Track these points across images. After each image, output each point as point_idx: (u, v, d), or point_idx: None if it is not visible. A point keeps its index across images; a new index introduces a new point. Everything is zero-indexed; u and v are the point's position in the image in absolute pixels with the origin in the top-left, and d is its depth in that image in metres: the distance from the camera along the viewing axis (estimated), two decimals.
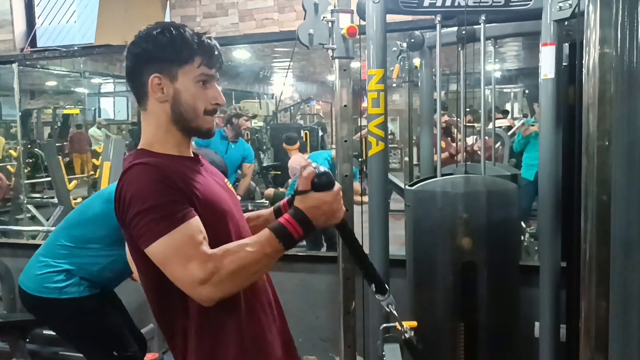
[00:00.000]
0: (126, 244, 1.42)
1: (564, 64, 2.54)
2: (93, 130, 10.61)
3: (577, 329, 2.64)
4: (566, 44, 2.58)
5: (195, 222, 1.28)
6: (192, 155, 1.46)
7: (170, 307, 1.37)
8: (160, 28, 1.38)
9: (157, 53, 1.36)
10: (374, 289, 1.53)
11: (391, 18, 2.56)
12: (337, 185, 1.37)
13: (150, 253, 1.27)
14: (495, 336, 2.57)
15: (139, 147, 1.43)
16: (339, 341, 2.72)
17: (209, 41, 1.40)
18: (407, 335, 1.55)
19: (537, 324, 2.77)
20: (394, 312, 1.53)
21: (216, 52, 1.41)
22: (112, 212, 2.27)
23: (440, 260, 2.54)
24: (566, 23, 2.44)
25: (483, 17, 2.56)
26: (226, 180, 1.56)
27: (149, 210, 1.25)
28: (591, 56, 1.40)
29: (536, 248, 4.07)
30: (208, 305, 1.27)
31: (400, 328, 1.55)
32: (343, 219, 1.40)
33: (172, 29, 1.38)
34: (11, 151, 7.54)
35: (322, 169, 1.37)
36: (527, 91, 9.16)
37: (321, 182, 1.35)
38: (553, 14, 2.39)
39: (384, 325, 2.41)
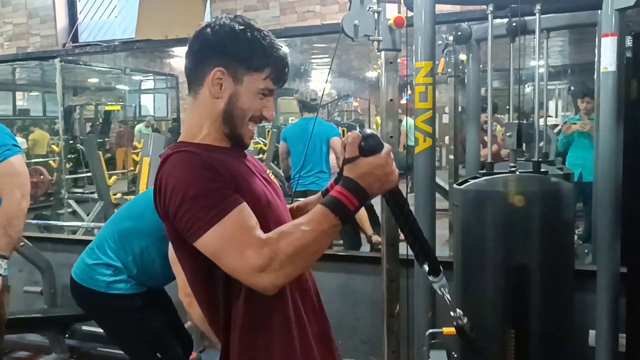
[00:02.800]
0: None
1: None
2: (140, 128, 10.56)
3: (639, 339, 2.52)
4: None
5: (245, 207, 1.22)
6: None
7: (218, 303, 1.31)
8: (244, 26, 1.31)
9: (231, 49, 1.30)
10: (426, 269, 1.40)
11: (437, 9, 2.45)
12: (387, 147, 1.27)
13: (202, 245, 1.20)
14: (547, 344, 2.43)
15: (179, 140, 1.36)
16: (381, 345, 2.63)
17: (284, 57, 1.34)
18: (460, 322, 1.43)
19: (591, 332, 2.62)
20: (447, 296, 1.41)
21: (286, 70, 1.35)
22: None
23: (490, 263, 2.41)
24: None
25: (538, 7, 2.42)
26: (269, 171, 1.48)
27: (195, 199, 1.18)
28: None
29: (586, 251, 3.90)
30: (270, 293, 1.20)
31: (453, 314, 1.42)
32: (396, 184, 1.30)
33: (255, 31, 1.32)
34: (54, 146, 7.67)
35: (368, 131, 1.27)
36: (572, 88, 8.89)
37: (369, 145, 1.25)
38: (616, 2, 2.24)
39: (430, 330, 2.33)
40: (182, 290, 2.28)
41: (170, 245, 2.19)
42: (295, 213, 1.50)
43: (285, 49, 1.36)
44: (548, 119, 6.87)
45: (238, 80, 1.31)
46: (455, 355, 2.49)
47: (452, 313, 1.42)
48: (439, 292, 1.41)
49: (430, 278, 1.41)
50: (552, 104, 9.65)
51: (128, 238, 2.41)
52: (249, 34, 1.30)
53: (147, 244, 2.38)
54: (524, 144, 2.54)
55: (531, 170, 2.48)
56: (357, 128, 8.60)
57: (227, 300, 1.30)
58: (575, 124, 4.78)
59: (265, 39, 1.32)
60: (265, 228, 1.28)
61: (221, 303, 1.31)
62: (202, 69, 1.32)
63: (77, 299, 2.53)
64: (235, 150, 1.37)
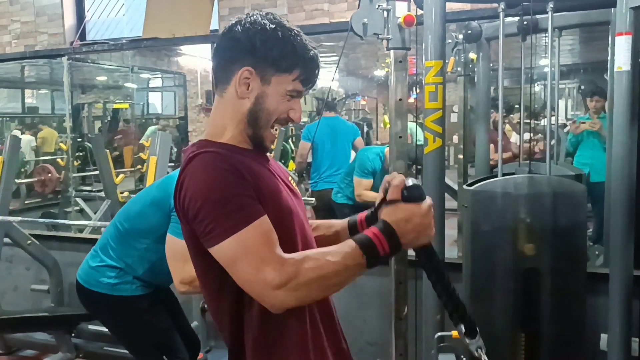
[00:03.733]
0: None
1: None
2: (153, 130, 10.40)
3: None
4: None
5: (267, 220, 1.18)
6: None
7: (230, 308, 1.27)
8: (275, 25, 1.27)
9: (261, 49, 1.26)
10: (463, 330, 1.35)
11: (447, 7, 2.42)
12: (429, 199, 1.24)
13: (217, 252, 1.17)
14: (558, 348, 2.40)
15: (203, 138, 1.32)
16: (388, 347, 2.59)
17: (315, 58, 1.30)
18: None
19: (603, 336, 2.58)
20: (484, 357, 1.35)
21: (316, 72, 1.31)
22: (161, 202, 2.19)
23: (500, 266, 2.38)
24: None
25: (551, 5, 2.37)
26: (290, 178, 1.44)
27: (217, 203, 1.15)
28: None
29: (597, 252, 3.85)
30: (276, 312, 1.17)
31: None
32: (431, 240, 1.26)
33: (287, 30, 1.28)
34: (62, 144, 7.68)
35: (411, 180, 1.25)
36: (582, 87, 8.82)
37: (412, 193, 1.22)
38: (630, 0, 2.20)
39: (439, 334, 2.30)
40: (177, 280, 2.23)
41: (169, 237, 2.18)
42: (315, 230, 1.47)
43: (316, 50, 1.31)
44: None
45: (266, 81, 1.27)
46: (464, 359, 2.46)
47: None
48: (476, 354, 1.36)
49: (467, 340, 1.36)
50: (561, 103, 9.57)
51: (130, 238, 2.38)
52: (280, 33, 1.26)
53: (149, 242, 2.34)
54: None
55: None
56: (365, 127, 8.56)
57: (237, 309, 1.26)
58: (584, 123, 4.71)
59: (297, 39, 1.28)
60: (291, 236, 1.26)
61: (230, 310, 1.27)
62: (229, 68, 1.28)
63: (84, 302, 2.51)
64: (258, 154, 1.33)
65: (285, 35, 1.27)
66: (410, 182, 1.24)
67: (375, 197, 1.32)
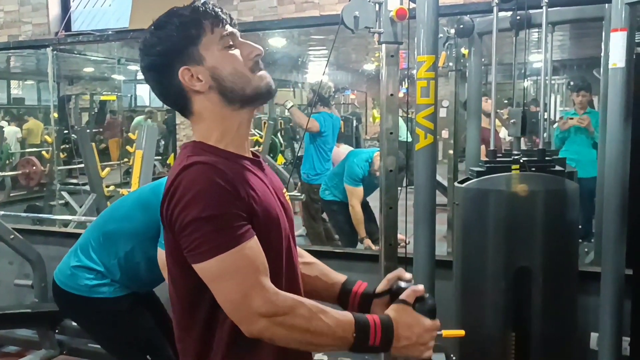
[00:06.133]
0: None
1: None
2: (140, 121, 10.13)
3: None
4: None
5: (257, 243, 1.14)
6: (252, 156, 1.29)
7: (202, 323, 1.21)
8: (153, 25, 1.24)
9: (169, 48, 1.21)
10: None
11: (440, 1, 2.37)
12: (437, 322, 1.22)
13: (202, 269, 1.12)
14: (548, 348, 2.37)
15: (196, 140, 1.26)
16: None
17: (203, 5, 1.23)
18: None
19: (593, 334, 2.57)
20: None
21: (218, 10, 1.23)
22: (152, 207, 2.13)
23: (491, 264, 2.34)
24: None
25: (546, 0, 2.34)
26: (284, 190, 1.37)
27: (208, 220, 1.09)
28: None
29: (586, 250, 3.84)
30: (249, 336, 1.13)
31: None
32: None
33: (164, 17, 1.23)
34: (47, 137, 7.57)
35: (429, 295, 1.26)
36: (571, 83, 8.82)
37: (427, 306, 1.22)
38: None
39: None
40: None
41: (160, 252, 2.12)
42: (309, 267, 1.43)
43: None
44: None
45: (202, 60, 1.21)
46: (454, 358, 2.43)
47: None
48: None
49: None
50: (551, 98, 9.57)
51: (113, 241, 2.32)
52: (163, 24, 1.22)
53: (132, 246, 2.29)
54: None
55: (535, 159, 2.40)
56: (354, 122, 8.52)
57: (209, 326, 1.20)
58: (572, 118, 4.68)
59: (179, 11, 1.22)
60: (278, 255, 1.22)
61: (201, 325, 1.21)
62: (175, 87, 1.22)
63: (61, 304, 2.44)
64: (255, 162, 1.27)
65: (168, 20, 1.22)
66: (427, 295, 1.24)
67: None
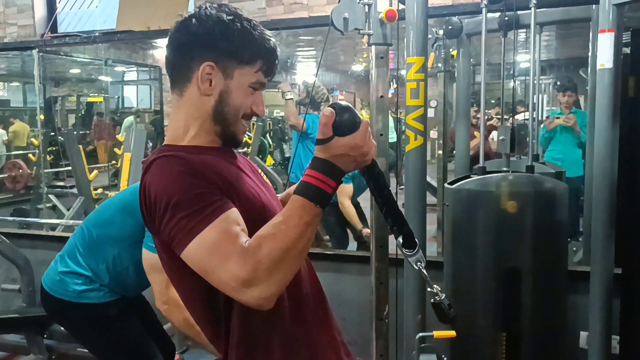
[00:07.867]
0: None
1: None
2: (131, 121, 10.01)
3: (633, 341, 2.48)
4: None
5: (233, 212, 1.11)
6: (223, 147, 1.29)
7: (215, 320, 1.23)
8: (232, 16, 1.21)
9: (221, 42, 1.20)
10: (401, 241, 1.31)
11: (429, 2, 2.37)
12: (364, 123, 1.14)
13: (187, 257, 1.10)
14: (538, 347, 2.39)
15: (164, 143, 1.27)
16: (368, 346, 2.55)
17: (275, 48, 1.25)
18: (438, 299, 1.32)
19: (582, 333, 2.59)
20: (424, 271, 1.31)
21: (276, 62, 1.26)
22: (133, 209, 2.12)
23: (481, 265, 2.36)
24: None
25: (534, 1, 2.35)
26: (260, 171, 1.39)
27: (177, 206, 1.08)
28: None
29: (574, 249, 3.86)
30: (266, 308, 1.09)
31: (430, 289, 1.31)
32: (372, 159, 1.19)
33: (244, 21, 1.22)
34: (33, 139, 7.49)
35: (344, 103, 1.14)
36: (558, 83, 8.88)
37: (345, 123, 1.11)
38: None
39: (420, 334, 2.27)
40: (158, 299, 2.17)
41: (145, 253, 2.11)
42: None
43: (274, 40, 1.26)
44: (525, 114, 6.88)
45: (228, 75, 1.21)
46: (445, 359, 2.43)
47: (429, 289, 1.33)
48: (415, 267, 1.32)
49: (405, 251, 1.32)
50: (537, 98, 9.62)
51: (99, 246, 2.29)
52: (238, 24, 1.20)
53: (119, 251, 2.26)
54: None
55: (524, 170, 2.42)
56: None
57: (226, 316, 1.20)
58: (558, 118, 4.70)
59: (256, 30, 1.22)
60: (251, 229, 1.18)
61: (209, 319, 1.23)
62: (188, 64, 1.21)
63: (50, 310, 2.41)
64: (224, 151, 1.28)
65: (244, 26, 1.21)
66: (343, 104, 1.14)
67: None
